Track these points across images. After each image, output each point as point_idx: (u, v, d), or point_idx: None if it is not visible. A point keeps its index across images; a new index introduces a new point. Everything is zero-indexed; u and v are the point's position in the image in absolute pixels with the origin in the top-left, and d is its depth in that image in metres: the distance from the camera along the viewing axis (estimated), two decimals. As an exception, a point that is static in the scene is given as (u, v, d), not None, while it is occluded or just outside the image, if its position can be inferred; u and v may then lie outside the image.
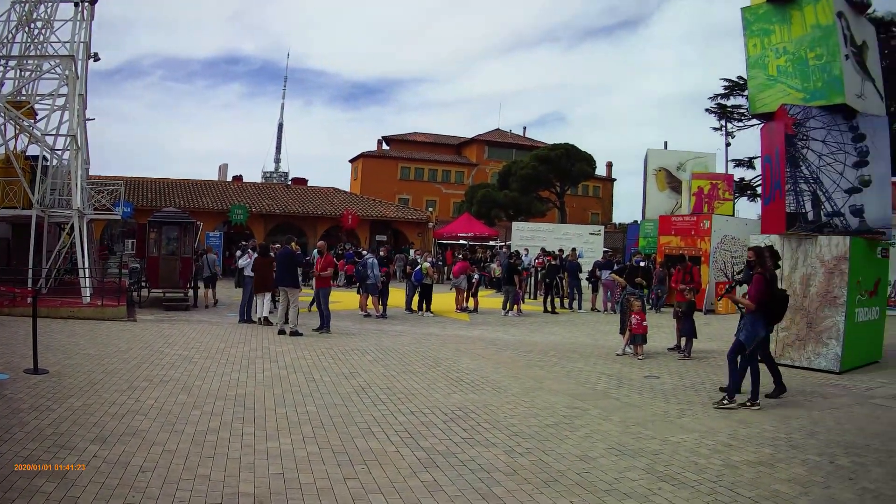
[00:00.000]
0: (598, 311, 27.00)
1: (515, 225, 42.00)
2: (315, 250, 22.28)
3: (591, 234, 40.54)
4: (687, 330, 15.91)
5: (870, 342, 15.52)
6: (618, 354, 15.74)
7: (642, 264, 17.61)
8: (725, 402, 10.89)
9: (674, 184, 36.34)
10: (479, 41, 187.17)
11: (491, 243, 50.33)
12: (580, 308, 27.50)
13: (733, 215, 33.77)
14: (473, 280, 26.00)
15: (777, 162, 15.07)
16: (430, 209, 59.54)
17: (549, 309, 26.06)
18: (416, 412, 9.80)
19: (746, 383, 11.18)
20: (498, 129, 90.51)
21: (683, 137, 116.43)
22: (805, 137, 14.78)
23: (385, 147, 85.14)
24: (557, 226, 44.41)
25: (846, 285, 13.92)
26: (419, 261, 24.95)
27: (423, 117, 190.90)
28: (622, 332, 16.39)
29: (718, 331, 20.92)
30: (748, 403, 10.90)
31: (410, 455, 7.77)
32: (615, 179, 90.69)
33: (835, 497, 7.00)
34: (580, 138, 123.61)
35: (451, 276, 28.96)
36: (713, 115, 57.17)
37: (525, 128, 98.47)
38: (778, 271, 14.55)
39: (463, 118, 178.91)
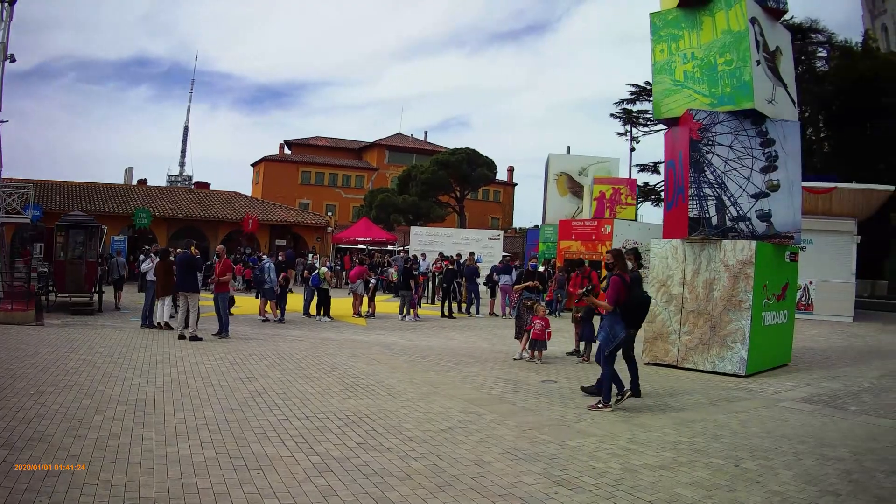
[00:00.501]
0: (496, 315, 28.50)
1: (414, 229, 44.53)
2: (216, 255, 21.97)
3: (491, 238, 42.72)
4: (587, 334, 16.99)
5: (778, 345, 17.05)
6: (515, 359, 16.54)
7: (541, 269, 17.55)
8: (601, 405, 11.60)
9: (575, 189, 37.58)
10: (385, 45, 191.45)
11: (389, 248, 52.15)
12: (478, 313, 28.97)
13: (636, 220, 35.90)
14: (370, 285, 27.14)
15: (680, 167, 16.60)
16: (330, 214, 62.30)
17: (447, 313, 27.46)
18: (311, 417, 10.29)
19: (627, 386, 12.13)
20: (399, 134, 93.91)
21: (589, 143, 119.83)
22: (711, 142, 16.18)
23: (287, 151, 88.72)
24: (456, 230, 46.76)
25: (751, 289, 15.38)
26: (317, 265, 25.91)
27: (327, 121, 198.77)
28: (518, 336, 17.40)
29: None
30: (599, 405, 11.59)
31: (305, 460, 8.10)
32: (516, 184, 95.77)
33: (740, 500, 7.37)
34: (482, 143, 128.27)
35: (349, 281, 30.12)
36: (618, 119, 59.72)
37: (426, 132, 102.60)
38: (680, 275, 14.60)
39: (367, 122, 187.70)
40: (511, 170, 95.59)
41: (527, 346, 16.58)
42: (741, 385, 14.38)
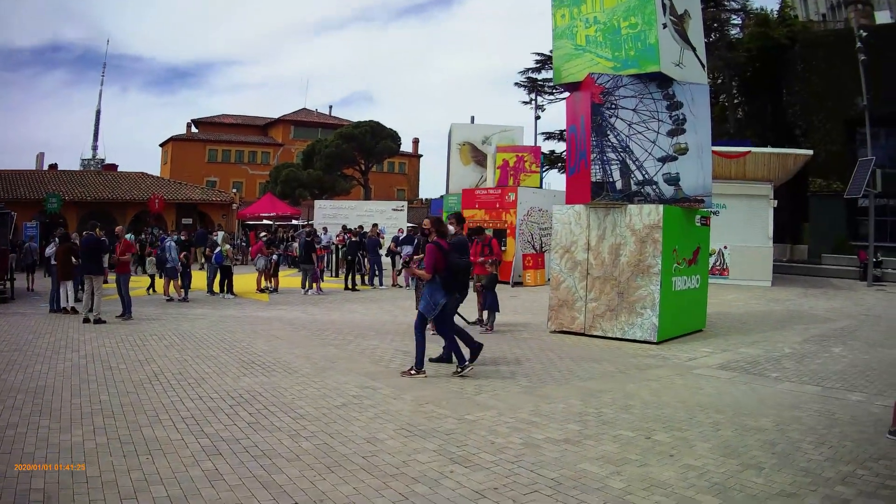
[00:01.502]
0: (400, 286, 28.81)
1: (318, 203, 45.07)
2: (128, 235, 21.51)
3: (395, 209, 43.17)
4: (489, 303, 16.92)
5: (691, 311, 16.99)
6: None
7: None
8: (413, 372, 11.59)
9: (479, 158, 37.95)
10: (291, 21, 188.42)
11: (294, 222, 52.13)
12: (381, 284, 29.29)
13: (541, 187, 35.88)
14: (272, 260, 27.15)
15: (582, 131, 16.44)
16: (234, 190, 61.39)
17: (350, 286, 27.73)
18: (204, 398, 10.03)
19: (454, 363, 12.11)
20: (304, 109, 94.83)
21: (496, 114, 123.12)
22: (614, 106, 16.03)
23: (194, 130, 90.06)
24: (360, 202, 47.26)
25: (660, 254, 15.23)
26: (218, 242, 25.37)
27: (236, 100, 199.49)
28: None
29: (526, 303, 22.74)
30: (412, 371, 11.55)
31: (195, 443, 7.88)
32: (421, 156, 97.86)
33: (653, 476, 7.06)
34: (388, 117, 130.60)
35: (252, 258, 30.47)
36: (523, 88, 60.71)
37: (331, 107, 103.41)
38: (584, 241, 14.62)
39: (275, 99, 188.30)
40: (416, 141, 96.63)
41: None
42: (653, 352, 14.22)
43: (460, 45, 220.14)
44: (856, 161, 36.16)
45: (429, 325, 13.80)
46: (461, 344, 12.08)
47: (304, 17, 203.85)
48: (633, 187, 15.75)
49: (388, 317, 19.56)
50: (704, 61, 17.62)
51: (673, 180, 15.86)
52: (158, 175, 67.07)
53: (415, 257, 17.18)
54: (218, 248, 24.77)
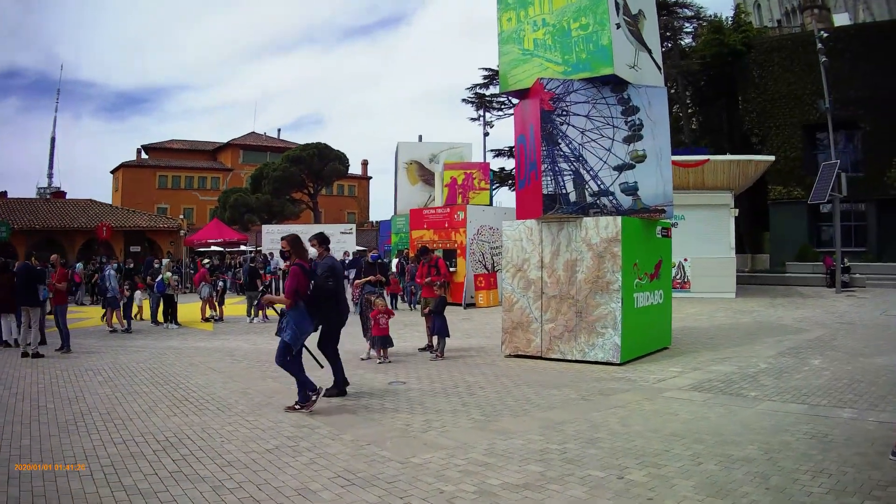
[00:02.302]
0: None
1: (265, 228, 45.36)
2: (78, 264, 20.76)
3: (343, 232, 43.09)
4: (438, 328, 15.99)
5: (655, 328, 16.24)
6: (362, 359, 15.57)
7: (379, 260, 16.53)
8: (298, 406, 10.73)
9: (426, 176, 38.01)
10: (239, 45, 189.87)
11: (242, 248, 52.76)
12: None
13: (491, 205, 35.49)
14: (218, 287, 27.05)
15: (532, 141, 15.63)
16: (182, 217, 60.26)
17: None
18: (128, 441, 9.17)
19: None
20: (253, 133, 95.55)
21: (446, 132, 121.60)
22: (565, 112, 15.21)
23: (144, 156, 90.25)
24: (308, 226, 45.57)
25: (619, 269, 14.40)
26: (160, 270, 24.72)
27: (186, 125, 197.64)
28: (365, 334, 16.26)
29: (479, 325, 21.90)
30: (297, 406, 10.73)
31: (109, 497, 7.04)
32: (371, 178, 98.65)
33: None
34: (338, 139, 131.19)
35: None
36: (471, 105, 60.58)
37: (279, 130, 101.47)
38: (537, 258, 13.82)
39: (226, 123, 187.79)
40: (365, 163, 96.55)
41: (373, 345, 15.63)
42: (617, 374, 13.35)
43: (410, 64, 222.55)
44: (816, 167, 35.97)
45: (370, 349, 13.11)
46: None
47: (253, 40, 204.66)
48: (589, 199, 14.91)
49: None
50: (661, 63, 17.01)
51: (631, 190, 15.03)
52: (109, 202, 67.25)
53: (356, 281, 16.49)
54: (160, 277, 24.07)
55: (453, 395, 11.77)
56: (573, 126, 15.03)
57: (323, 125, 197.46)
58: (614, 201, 14.99)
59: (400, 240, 35.37)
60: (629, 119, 15.24)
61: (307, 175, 65.49)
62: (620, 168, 15.07)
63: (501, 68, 16.86)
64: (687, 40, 52.93)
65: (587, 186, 14.93)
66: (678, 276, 29.93)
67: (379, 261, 17.99)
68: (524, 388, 12.33)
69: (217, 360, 16.09)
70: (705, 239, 29.74)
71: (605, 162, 15.01)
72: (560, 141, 14.96)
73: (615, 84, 15.20)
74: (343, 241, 40.36)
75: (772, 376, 12.90)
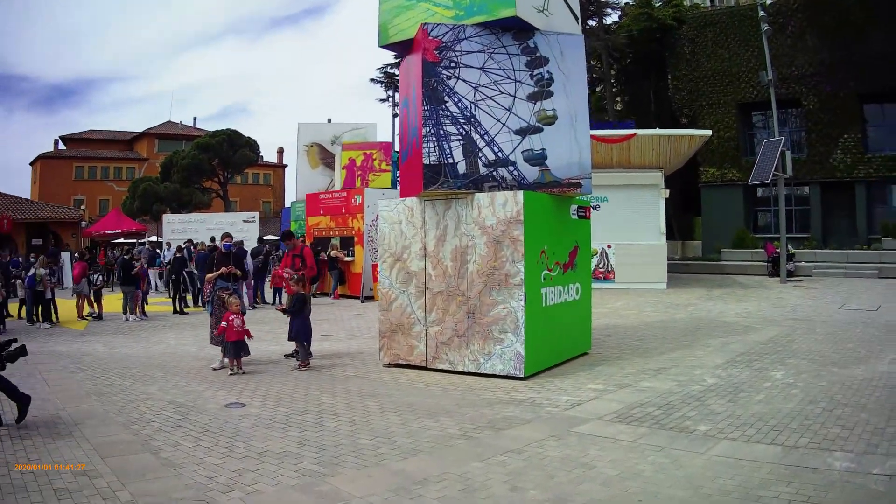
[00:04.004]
0: (252, 307, 25.57)
1: (166, 218, 42.21)
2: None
3: (246, 221, 40.45)
4: (295, 332, 13.46)
5: (571, 331, 13.53)
6: (214, 368, 13.41)
7: (232, 249, 13.83)
8: None
9: (328, 159, 36.62)
10: (169, 37, 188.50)
11: (152, 239, 51.00)
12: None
13: (393, 188, 32.53)
14: (97, 282, 24.17)
15: (414, 103, 12.84)
16: (83, 208, 62.27)
17: (179, 309, 24.72)
18: None
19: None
20: (169, 122, 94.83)
21: (367, 116, 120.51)
22: (454, 64, 12.45)
23: (62, 147, 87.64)
24: (210, 215, 45.30)
25: (522, 258, 11.60)
26: (33, 266, 23.07)
27: (114, 116, 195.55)
28: (214, 341, 14.26)
29: (370, 322, 19.08)
30: None
31: None
32: (286, 165, 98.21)
33: None
34: (263, 128, 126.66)
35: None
36: (380, 84, 60.72)
37: (195, 118, 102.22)
38: (420, 245, 12.75)
39: (153, 114, 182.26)
40: (281, 151, 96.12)
41: (226, 352, 13.33)
42: (518, 394, 10.64)
43: (336, 52, 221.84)
44: (753, 147, 34.22)
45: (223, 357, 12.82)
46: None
47: (182, 31, 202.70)
48: (483, 170, 12.16)
49: (194, 348, 16.34)
50: (578, 12, 14.38)
51: (537, 159, 12.30)
52: (22, 196, 64.53)
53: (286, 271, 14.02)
54: (32, 272, 22.26)
55: (295, 426, 9.22)
56: (464, 81, 12.29)
57: (249, 114, 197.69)
58: (516, 173, 12.24)
59: (299, 227, 33.25)
60: (536, 72, 12.50)
61: (218, 163, 64.07)
62: (524, 132, 12.33)
63: (381, 18, 13.82)
64: (613, 17, 51.08)
65: (481, 155, 12.16)
66: (601, 265, 27.76)
67: (233, 250, 15.09)
68: (390, 415, 9.66)
69: (56, 370, 13.69)
70: (632, 223, 27.39)
71: (504, 124, 12.26)
72: (447, 99, 12.18)
73: (518, 30, 12.57)
74: (246, 231, 37.86)
75: (724, 398, 10.09)
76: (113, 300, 24.45)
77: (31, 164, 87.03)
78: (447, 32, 12.27)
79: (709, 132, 29.93)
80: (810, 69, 38.99)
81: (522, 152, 12.26)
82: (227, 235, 15.74)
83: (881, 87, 37.06)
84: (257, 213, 46.14)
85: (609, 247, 27.71)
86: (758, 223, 42.68)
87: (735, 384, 10.90)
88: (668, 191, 28.13)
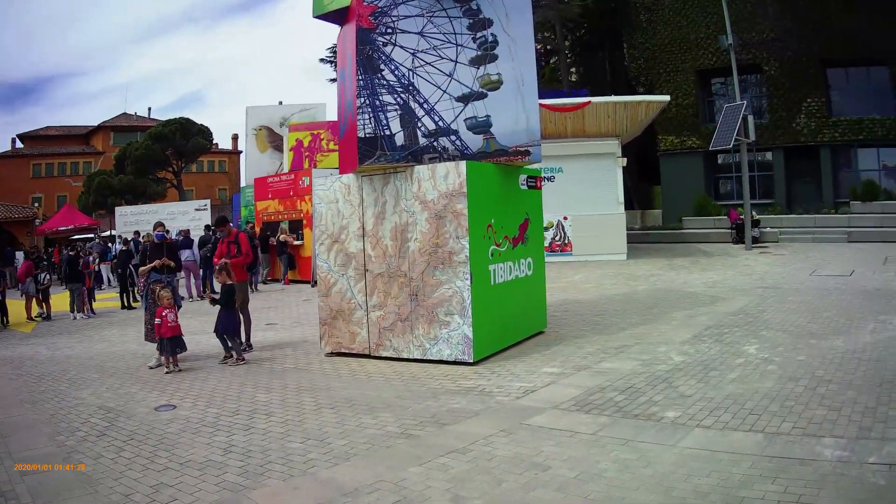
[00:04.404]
0: (184, 298, 23.83)
1: (119, 210, 41.98)
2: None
3: (198, 209, 39.48)
4: (223, 325, 12.63)
5: (523, 309, 12.70)
6: (150, 367, 12.64)
7: (166, 239, 13.29)
8: None
9: (277, 142, 36.65)
10: (125, 29, 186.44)
11: (105, 233, 49.30)
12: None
13: None
14: (43, 281, 23.39)
15: (350, 74, 11.88)
16: (36, 205, 61.41)
17: (126, 304, 23.79)
18: None
19: None
20: (124, 114, 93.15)
21: (321, 100, 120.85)
22: (391, 30, 11.64)
23: (19, 145, 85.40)
24: (162, 205, 44.93)
25: (466, 234, 10.77)
26: None
27: (75, 112, 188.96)
28: (148, 335, 13.55)
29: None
30: None
31: None
32: (241, 152, 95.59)
33: None
34: (219, 117, 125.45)
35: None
36: (330, 64, 59.49)
37: (150, 109, 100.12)
38: (357, 224, 12.09)
39: (111, 107, 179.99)
40: (235, 137, 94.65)
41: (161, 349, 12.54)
42: (467, 381, 9.86)
43: (291, 36, 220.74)
44: (712, 114, 33.68)
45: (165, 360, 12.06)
46: None
47: (138, 23, 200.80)
48: (422, 140, 11.32)
49: (135, 345, 15.46)
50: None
51: (481, 127, 11.42)
52: None
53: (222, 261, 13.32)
54: None
55: (223, 429, 8.44)
56: (402, 47, 11.45)
57: (205, 103, 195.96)
58: (458, 142, 11.38)
59: (249, 212, 33.00)
60: (479, 35, 11.62)
61: (171, 152, 63.40)
62: (466, 98, 11.46)
63: (315, -12, 13.02)
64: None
65: (420, 124, 11.32)
66: (557, 238, 26.98)
67: (166, 240, 14.22)
68: (326, 412, 8.86)
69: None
70: (588, 194, 26.54)
71: (444, 91, 11.40)
72: (383, 67, 11.34)
73: (459, -10, 11.69)
74: (198, 219, 37.01)
75: (694, 377, 9.28)
76: (63, 299, 23.58)
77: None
78: (383, -4, 11.41)
79: (667, 98, 29.08)
80: (772, 34, 38.33)
81: (465, 120, 11.41)
82: (159, 225, 14.95)
83: (844, 52, 36.46)
84: (209, 200, 45.09)
85: (565, 219, 26.92)
86: (719, 191, 42.06)
87: (705, 361, 10.12)
88: (625, 159, 27.42)
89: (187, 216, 37.44)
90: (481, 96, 11.48)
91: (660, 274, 21.67)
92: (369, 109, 11.15)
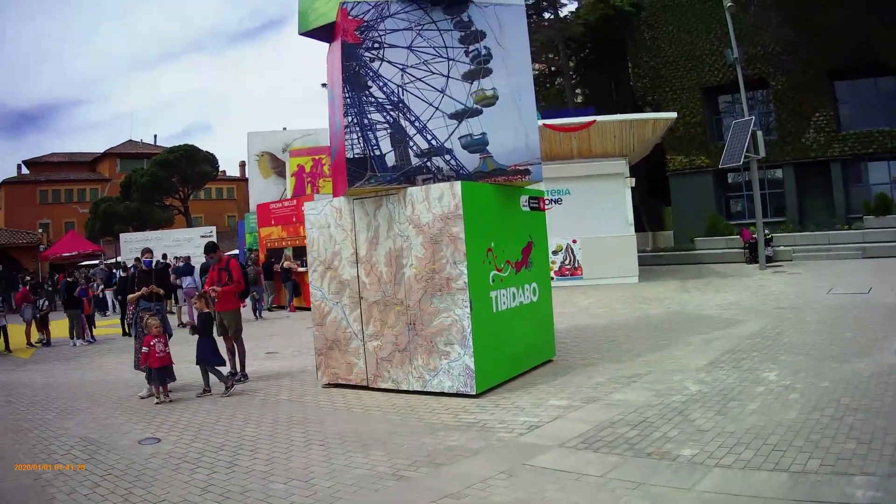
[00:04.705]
0: (184, 325, 23.84)
1: (124, 237, 42.60)
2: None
3: (203, 236, 39.67)
4: (200, 355, 12.09)
5: (530, 337, 12.00)
6: (142, 396, 12.23)
7: (155, 266, 12.79)
8: None
9: (279, 168, 36.54)
10: (131, 58, 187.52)
11: (116, 260, 49.80)
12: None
13: None
14: (44, 307, 23.45)
15: (337, 91, 11.37)
16: (41, 230, 61.73)
17: (126, 330, 22.72)
18: None
19: None
20: (130, 141, 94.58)
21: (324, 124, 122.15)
22: (378, 45, 11.05)
23: (25, 171, 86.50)
24: (167, 231, 45.82)
25: (464, 258, 10.13)
26: None
27: (81, 139, 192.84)
28: (137, 365, 13.06)
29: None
30: None
31: None
32: (248, 179, 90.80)
33: None
34: (227, 145, 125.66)
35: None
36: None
37: (156, 136, 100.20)
38: (351, 250, 11.48)
39: (118, 136, 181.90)
40: (243, 164, 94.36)
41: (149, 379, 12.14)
42: (468, 416, 9.18)
43: (297, 62, 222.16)
44: (720, 132, 33.20)
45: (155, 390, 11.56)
46: None
47: (144, 52, 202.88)
48: (414, 160, 10.69)
49: (131, 374, 14.58)
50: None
51: (476, 145, 10.81)
52: None
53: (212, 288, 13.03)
54: None
55: (205, 466, 7.94)
56: (390, 62, 10.85)
57: (211, 131, 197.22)
58: (453, 162, 10.76)
59: (254, 239, 32.78)
60: (471, 48, 11.04)
61: (177, 179, 63.64)
62: (460, 115, 10.85)
63: (301, 4, 12.43)
64: (570, 7, 49.90)
65: (412, 143, 10.71)
66: (567, 262, 26.37)
67: (155, 267, 13.74)
68: (315, 449, 8.28)
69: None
70: (597, 215, 25.95)
71: (437, 108, 10.81)
72: (371, 83, 10.74)
73: (450, 3, 11.14)
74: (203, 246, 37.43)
75: (711, 409, 8.56)
76: (64, 325, 23.13)
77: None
78: (369, 10, 10.84)
79: (673, 115, 28.49)
80: (776, 48, 38.00)
81: (460, 138, 10.80)
82: (147, 251, 14.50)
83: (850, 63, 36.10)
84: (215, 227, 45.88)
85: (574, 241, 26.30)
86: (730, 210, 41.57)
87: (723, 391, 9.40)
88: (633, 179, 26.77)
89: (192, 242, 37.88)
90: (476, 113, 10.90)
91: (673, 296, 20.99)
92: (357, 128, 10.59)
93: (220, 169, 72.32)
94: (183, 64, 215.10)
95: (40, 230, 62.64)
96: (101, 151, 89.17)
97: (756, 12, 38.09)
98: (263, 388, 12.32)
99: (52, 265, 50.64)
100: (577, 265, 26.42)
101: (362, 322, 11.09)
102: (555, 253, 25.42)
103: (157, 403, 11.53)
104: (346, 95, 10.64)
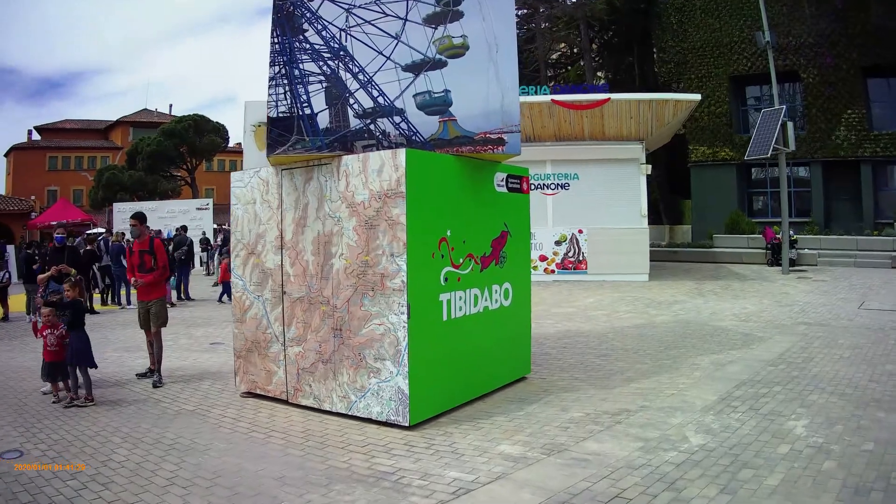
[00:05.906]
0: (173, 304, 22.26)
1: (117, 206, 41.45)
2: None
3: (199, 208, 39.30)
4: (69, 353, 9.79)
5: (496, 351, 9.65)
6: (44, 393, 10.38)
7: (67, 244, 10.75)
8: None
9: None
10: (154, 28, 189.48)
11: (100, 230, 47.99)
12: (129, 303, 22.61)
13: None
14: (4, 280, 21.73)
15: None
16: (33, 197, 61.94)
17: (89, 308, 20.82)
18: None
19: None
20: (145, 110, 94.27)
21: None
22: None
23: (36, 137, 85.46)
24: (162, 202, 44.43)
25: (404, 249, 7.81)
26: None
27: (103, 109, 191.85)
28: None
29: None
30: None
31: None
32: (241, 150, 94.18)
33: None
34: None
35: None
36: None
37: (171, 105, 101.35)
38: (276, 232, 9.36)
39: (140, 104, 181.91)
40: None
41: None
42: (388, 460, 6.88)
43: None
44: (747, 124, 32.94)
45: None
46: None
47: (169, 23, 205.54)
48: (354, 122, 8.44)
49: None
50: None
51: (436, 105, 8.46)
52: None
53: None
54: None
55: (43, 496, 6.31)
56: (335, 3, 8.61)
57: (236, 104, 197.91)
58: (404, 126, 8.45)
59: None
60: (437, -11, 8.81)
61: (185, 149, 62.61)
62: (418, 67, 8.51)
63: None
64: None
65: (352, 101, 8.46)
66: (570, 254, 24.45)
67: (67, 244, 11.70)
68: (174, 492, 6.25)
69: None
70: (608, 204, 24.07)
71: (388, 58, 8.52)
72: (307, 26, 8.57)
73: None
74: (200, 218, 37.87)
75: (715, 483, 5.98)
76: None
77: (6, 155, 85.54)
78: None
79: (697, 97, 25.89)
80: (809, 39, 36.00)
81: (414, 96, 8.47)
82: (60, 227, 12.55)
83: (885, 60, 34.21)
84: (211, 199, 44.53)
85: (580, 232, 24.34)
86: (753, 207, 39.65)
87: (733, 449, 6.86)
88: (650, 166, 24.77)
89: (188, 215, 37.18)
90: (439, 65, 8.52)
91: (685, 301, 18.81)
92: (285, 81, 8.40)
93: (236, 141, 71.77)
94: (210, 36, 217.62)
95: (33, 197, 62.82)
96: (115, 119, 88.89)
97: (790, 2, 36.18)
98: (174, 393, 10.24)
99: (43, 234, 49.26)
100: (581, 258, 24.46)
101: (283, 322, 8.93)
102: (558, 243, 23.88)
103: (53, 403, 9.70)
104: (275, 41, 8.48)
